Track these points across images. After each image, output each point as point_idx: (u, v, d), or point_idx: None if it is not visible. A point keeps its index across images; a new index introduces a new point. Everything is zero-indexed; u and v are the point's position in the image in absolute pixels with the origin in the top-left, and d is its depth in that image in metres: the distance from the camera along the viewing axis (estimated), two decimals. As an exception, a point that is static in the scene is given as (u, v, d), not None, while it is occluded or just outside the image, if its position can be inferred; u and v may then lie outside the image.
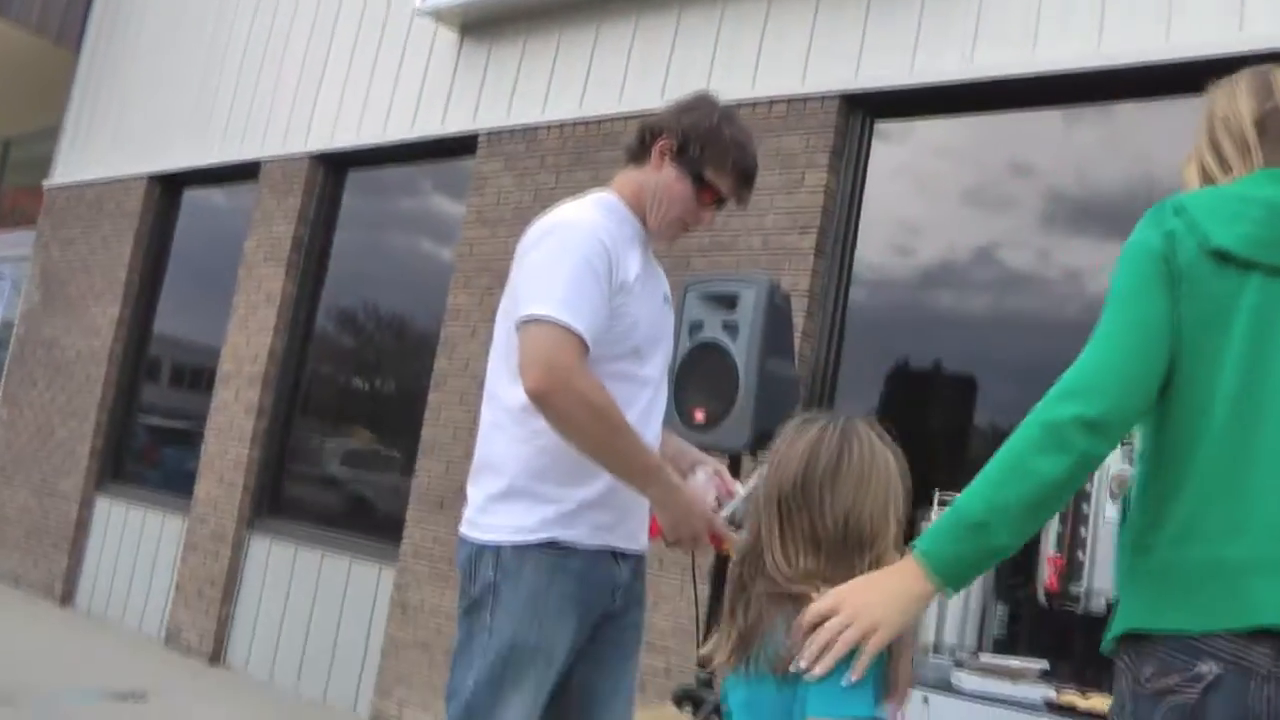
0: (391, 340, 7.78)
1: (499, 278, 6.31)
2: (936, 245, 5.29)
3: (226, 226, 8.51)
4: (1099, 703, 3.34)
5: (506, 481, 2.70)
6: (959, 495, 1.90)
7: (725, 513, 2.79)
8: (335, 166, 7.75)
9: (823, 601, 1.81)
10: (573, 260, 2.62)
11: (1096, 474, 3.80)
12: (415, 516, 6.42)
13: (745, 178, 2.87)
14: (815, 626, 1.78)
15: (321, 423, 7.85)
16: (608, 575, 2.77)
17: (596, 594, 2.75)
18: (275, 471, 7.62)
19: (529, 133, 6.45)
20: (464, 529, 2.77)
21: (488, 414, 2.80)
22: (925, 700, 3.46)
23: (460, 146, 6.86)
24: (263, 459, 7.54)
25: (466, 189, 6.73)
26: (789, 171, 5.37)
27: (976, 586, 4.07)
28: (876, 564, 1.87)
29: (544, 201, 6.20)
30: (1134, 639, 1.87)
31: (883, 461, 1.91)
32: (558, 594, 2.66)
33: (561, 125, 6.30)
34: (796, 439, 1.94)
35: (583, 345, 2.58)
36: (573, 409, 2.58)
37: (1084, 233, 4.93)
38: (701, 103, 2.91)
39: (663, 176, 2.82)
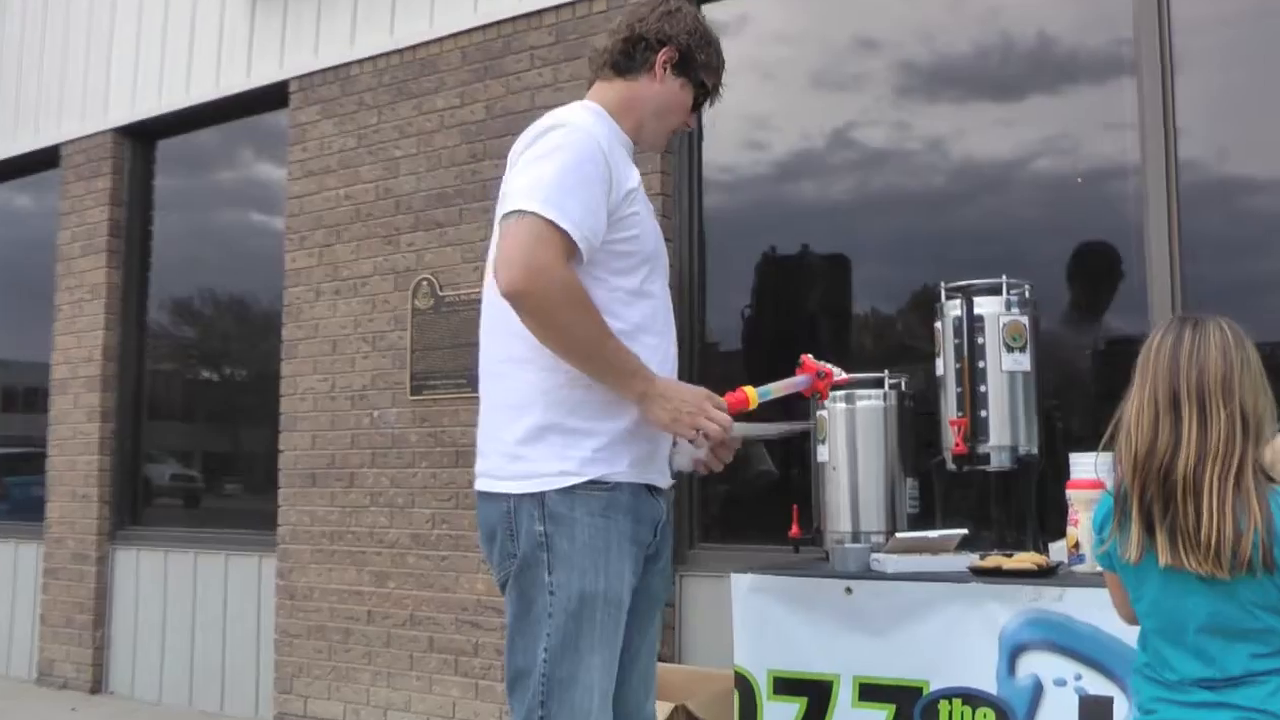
0: (233, 317, 7.21)
1: (335, 232, 5.93)
2: (787, 133, 5.02)
3: (36, 223, 7.84)
4: (1024, 560, 3.22)
5: (536, 419, 2.44)
6: None
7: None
8: (142, 139, 7.15)
9: None
10: (565, 157, 2.40)
11: (988, 325, 3.62)
12: (287, 497, 6.00)
13: (721, 75, 2.79)
14: None
15: (172, 417, 7.30)
16: (654, 510, 2.59)
17: (647, 531, 2.57)
18: (131, 476, 7.06)
19: (341, 72, 5.99)
20: (487, 485, 2.50)
21: (501, 350, 2.52)
22: (848, 590, 3.29)
23: (271, 98, 6.36)
24: (116, 465, 6.99)
25: (285, 143, 6.24)
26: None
27: (880, 465, 3.89)
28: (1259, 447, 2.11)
29: (369, 144, 5.80)
30: None
31: (1258, 358, 2.16)
32: (616, 533, 2.44)
33: (374, 59, 5.85)
34: (1200, 339, 2.13)
35: (568, 244, 2.33)
36: (556, 307, 2.33)
37: (938, 99, 4.71)
38: (679, 3, 2.73)
39: (666, 88, 2.67)
